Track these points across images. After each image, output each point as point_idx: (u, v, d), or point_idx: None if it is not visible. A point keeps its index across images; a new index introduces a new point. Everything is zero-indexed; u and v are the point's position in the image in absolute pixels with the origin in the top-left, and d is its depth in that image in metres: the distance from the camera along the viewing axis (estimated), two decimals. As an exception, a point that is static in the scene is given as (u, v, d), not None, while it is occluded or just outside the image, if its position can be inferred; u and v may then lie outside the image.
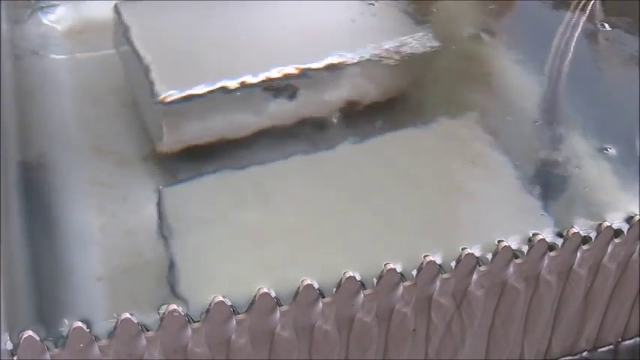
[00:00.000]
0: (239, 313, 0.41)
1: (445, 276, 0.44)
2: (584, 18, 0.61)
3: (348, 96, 0.53)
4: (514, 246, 0.45)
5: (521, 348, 0.50)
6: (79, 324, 0.39)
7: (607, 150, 0.51)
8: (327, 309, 0.43)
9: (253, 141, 0.51)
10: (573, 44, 0.60)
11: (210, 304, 0.41)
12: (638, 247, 0.48)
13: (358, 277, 0.42)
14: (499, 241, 0.45)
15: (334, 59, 0.52)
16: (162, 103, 0.49)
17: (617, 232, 0.47)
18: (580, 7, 0.62)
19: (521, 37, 0.60)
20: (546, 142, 0.52)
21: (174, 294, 0.42)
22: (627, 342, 0.53)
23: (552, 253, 0.46)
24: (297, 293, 0.42)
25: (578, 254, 0.47)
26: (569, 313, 0.49)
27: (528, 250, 0.45)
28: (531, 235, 0.45)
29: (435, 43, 0.55)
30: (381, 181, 0.49)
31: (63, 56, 0.56)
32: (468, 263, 0.44)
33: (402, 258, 0.44)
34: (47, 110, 0.52)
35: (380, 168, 0.50)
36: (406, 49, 0.54)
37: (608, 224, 0.46)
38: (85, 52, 0.57)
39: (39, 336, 0.38)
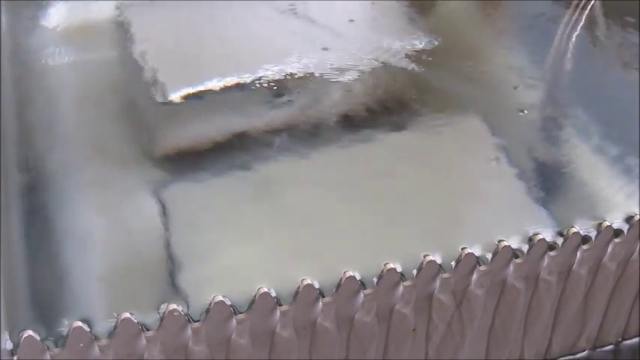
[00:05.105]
0: (239, 313, 0.41)
1: (445, 275, 0.44)
2: (584, 17, 0.61)
3: (348, 96, 0.53)
4: (514, 246, 0.45)
5: (521, 348, 0.50)
6: (79, 324, 0.39)
7: (607, 150, 0.51)
8: (327, 309, 0.43)
9: (253, 141, 0.51)
10: (574, 44, 0.60)
11: (210, 303, 0.41)
12: (638, 247, 0.48)
13: (358, 277, 0.42)
14: (499, 241, 0.45)
15: (334, 59, 0.52)
16: (162, 103, 0.49)
17: (617, 232, 0.47)
18: (580, 6, 0.62)
19: (522, 36, 0.60)
20: (547, 141, 0.52)
21: (175, 294, 0.42)
22: (627, 342, 0.53)
23: (552, 253, 0.46)
24: (297, 293, 0.42)
25: (578, 254, 0.47)
26: (569, 313, 0.49)
27: (528, 250, 0.45)
28: (531, 234, 0.45)
29: (435, 43, 0.55)
30: (381, 181, 0.49)
31: (63, 56, 0.56)
32: (468, 263, 0.44)
33: (402, 258, 0.44)
34: (47, 110, 0.52)
35: (380, 168, 0.50)
36: (406, 49, 0.54)
37: (608, 224, 0.46)
38: (85, 52, 0.57)
39: (39, 336, 0.39)
